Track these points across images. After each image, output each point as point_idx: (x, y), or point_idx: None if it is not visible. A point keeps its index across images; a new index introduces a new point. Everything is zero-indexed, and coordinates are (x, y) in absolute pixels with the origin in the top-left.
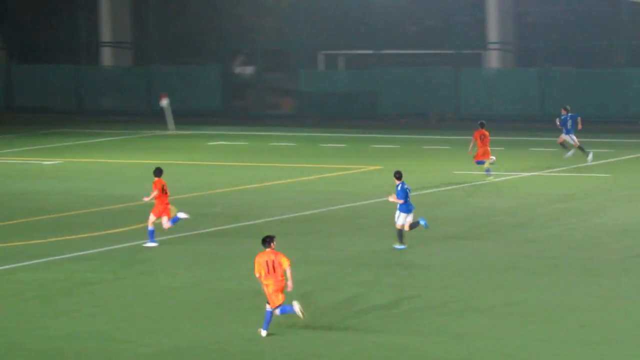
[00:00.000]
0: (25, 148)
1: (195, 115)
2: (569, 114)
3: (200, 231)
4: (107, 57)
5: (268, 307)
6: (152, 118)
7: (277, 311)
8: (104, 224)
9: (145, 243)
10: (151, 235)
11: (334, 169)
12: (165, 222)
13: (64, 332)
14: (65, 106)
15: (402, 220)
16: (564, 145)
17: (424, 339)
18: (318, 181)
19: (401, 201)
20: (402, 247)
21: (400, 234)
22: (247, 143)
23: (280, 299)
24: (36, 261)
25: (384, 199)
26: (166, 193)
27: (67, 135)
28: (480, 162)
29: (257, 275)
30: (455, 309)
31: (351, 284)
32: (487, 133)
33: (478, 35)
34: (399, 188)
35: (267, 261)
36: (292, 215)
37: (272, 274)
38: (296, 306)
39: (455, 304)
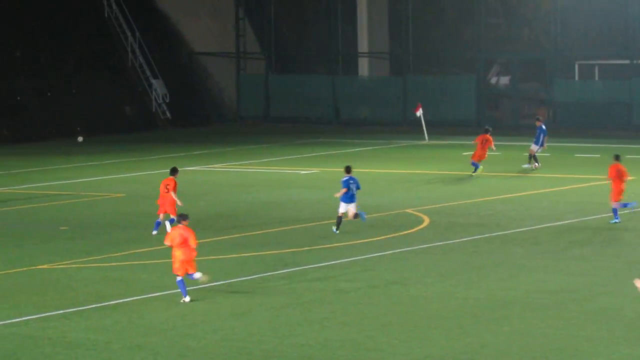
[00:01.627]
0: (282, 157)
1: (449, 125)
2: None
3: (452, 241)
4: (363, 67)
5: (178, 277)
6: (407, 128)
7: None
8: (358, 233)
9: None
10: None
11: (588, 179)
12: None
13: (317, 340)
14: (322, 116)
15: (343, 208)
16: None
17: None
18: (572, 191)
19: (344, 189)
20: (336, 231)
21: (338, 220)
22: (500, 153)
23: (187, 269)
24: (290, 270)
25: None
26: (168, 191)
27: (323, 145)
28: (475, 164)
29: (169, 244)
30: None
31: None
32: (490, 138)
33: None
34: (343, 179)
35: (180, 234)
36: (544, 225)
37: (182, 246)
38: (198, 275)
39: None
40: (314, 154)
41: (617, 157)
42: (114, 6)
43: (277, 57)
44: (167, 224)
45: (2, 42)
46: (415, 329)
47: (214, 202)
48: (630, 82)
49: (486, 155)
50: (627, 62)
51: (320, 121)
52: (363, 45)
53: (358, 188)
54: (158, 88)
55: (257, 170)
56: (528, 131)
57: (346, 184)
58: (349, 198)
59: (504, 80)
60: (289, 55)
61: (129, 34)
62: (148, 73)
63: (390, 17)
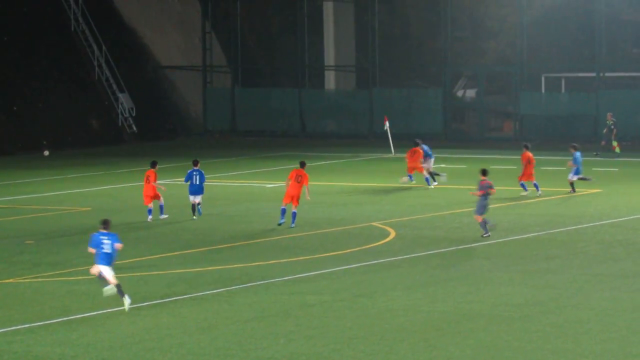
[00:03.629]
0: (249, 171)
1: (416, 138)
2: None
3: (418, 254)
4: (330, 80)
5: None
6: (374, 141)
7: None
8: (324, 246)
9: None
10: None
11: (554, 192)
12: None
13: (282, 354)
14: (288, 129)
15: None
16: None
17: None
18: (537, 204)
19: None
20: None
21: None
22: (465, 166)
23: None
24: (256, 283)
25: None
26: (149, 182)
27: (289, 158)
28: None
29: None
30: None
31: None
32: (419, 150)
33: None
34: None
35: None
36: (511, 238)
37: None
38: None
39: None
40: (280, 167)
41: (526, 146)
42: (81, 20)
43: (244, 71)
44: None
45: None
46: (381, 342)
47: (179, 215)
48: (597, 94)
49: (421, 168)
50: (593, 74)
51: (286, 134)
52: (329, 58)
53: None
54: (124, 102)
55: (223, 183)
56: (494, 144)
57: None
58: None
59: (471, 93)
60: (255, 69)
61: (95, 47)
62: (114, 87)
63: (356, 31)
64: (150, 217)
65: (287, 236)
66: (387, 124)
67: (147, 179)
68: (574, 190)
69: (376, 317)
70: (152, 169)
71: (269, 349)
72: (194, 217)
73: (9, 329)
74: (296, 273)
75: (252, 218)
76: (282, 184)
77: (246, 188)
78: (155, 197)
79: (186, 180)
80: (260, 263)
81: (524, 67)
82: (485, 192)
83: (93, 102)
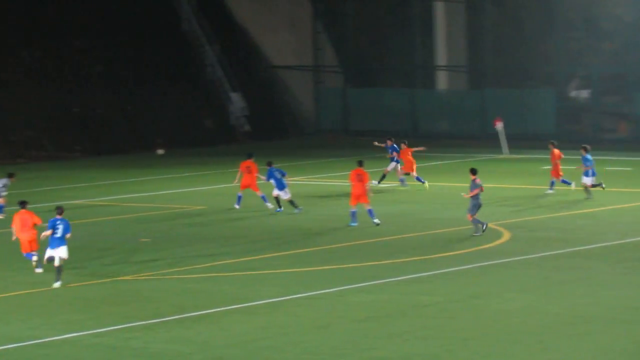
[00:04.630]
0: None
1: (529, 139)
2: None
3: (532, 255)
4: (442, 80)
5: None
6: (486, 142)
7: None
8: (437, 247)
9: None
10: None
11: None
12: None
13: (397, 354)
14: (400, 129)
15: (275, 191)
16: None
17: None
18: None
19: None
20: (269, 205)
21: (276, 200)
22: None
23: (32, 247)
24: (370, 283)
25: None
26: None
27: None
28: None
29: (14, 227)
30: None
31: None
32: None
33: None
34: (273, 175)
35: (21, 219)
36: (628, 240)
37: (26, 228)
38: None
39: None
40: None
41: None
42: (194, 20)
43: (355, 71)
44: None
45: (83, 56)
46: (496, 344)
47: (292, 215)
48: None
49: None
50: None
51: (398, 134)
52: (441, 58)
53: (283, 175)
54: (237, 101)
55: (335, 183)
56: (609, 145)
57: (271, 175)
58: (279, 185)
59: (584, 93)
60: (367, 69)
61: (207, 47)
62: (227, 86)
63: (468, 30)
64: (237, 205)
65: (401, 236)
66: (500, 124)
67: (248, 168)
68: (590, 195)
69: (490, 318)
70: (251, 159)
71: (383, 349)
72: (279, 209)
73: (126, 325)
74: (410, 273)
75: (364, 218)
76: (396, 184)
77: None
78: (250, 186)
79: (268, 179)
80: (374, 263)
81: (639, 67)
82: (479, 191)
83: (206, 101)
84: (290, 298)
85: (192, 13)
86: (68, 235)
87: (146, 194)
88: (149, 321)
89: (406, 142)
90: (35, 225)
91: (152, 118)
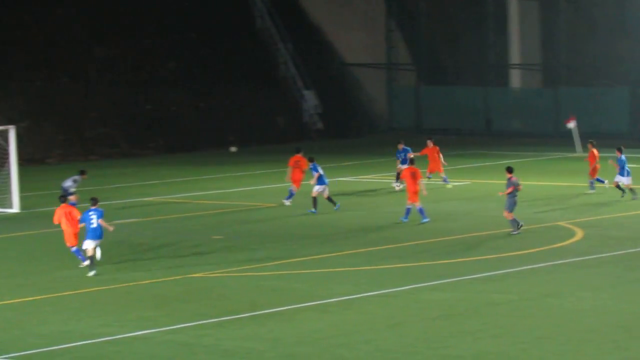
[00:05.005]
0: None
1: (602, 138)
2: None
3: (605, 254)
4: (515, 79)
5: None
6: (560, 140)
7: (73, 249)
8: (510, 245)
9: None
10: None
11: None
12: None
13: (469, 352)
14: (473, 128)
15: (316, 189)
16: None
17: None
18: None
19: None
20: (313, 210)
21: (314, 201)
22: None
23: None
24: (443, 281)
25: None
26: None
27: (473, 156)
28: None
29: (57, 222)
30: None
31: None
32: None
33: None
34: (318, 170)
35: (65, 212)
36: None
37: (69, 222)
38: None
39: None
40: (464, 166)
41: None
42: (267, 18)
43: (428, 69)
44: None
45: (156, 54)
46: (569, 343)
47: (365, 213)
48: None
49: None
50: None
51: (471, 133)
52: (514, 56)
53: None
54: (310, 99)
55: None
56: None
57: (315, 169)
58: (320, 181)
59: None
60: (440, 67)
61: (281, 45)
62: (300, 84)
63: (541, 28)
64: (287, 200)
65: (473, 234)
66: (572, 123)
67: (297, 163)
68: (623, 192)
69: (563, 317)
70: (300, 154)
71: (455, 347)
72: (313, 210)
73: (198, 322)
74: (483, 271)
75: (437, 216)
76: (467, 182)
77: (430, 186)
78: (296, 182)
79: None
80: (447, 261)
81: None
82: (514, 189)
83: (279, 99)
84: (363, 296)
85: (266, 11)
86: (101, 221)
87: (218, 191)
88: (221, 318)
89: (432, 139)
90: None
91: (225, 115)
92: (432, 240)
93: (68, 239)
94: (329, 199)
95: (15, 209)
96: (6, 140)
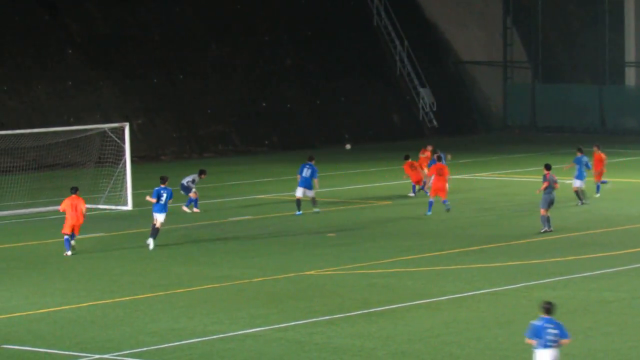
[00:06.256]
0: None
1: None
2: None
3: None
4: (631, 76)
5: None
6: None
7: (65, 237)
8: (622, 243)
9: None
10: None
11: None
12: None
13: (580, 350)
14: (588, 126)
15: (299, 193)
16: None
17: None
18: None
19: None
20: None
21: (297, 202)
22: None
23: (75, 231)
24: (555, 279)
25: None
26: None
27: (588, 154)
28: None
29: (62, 210)
30: None
31: None
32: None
33: None
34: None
35: (71, 204)
36: None
37: (74, 212)
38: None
39: None
40: None
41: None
42: (384, 15)
43: (544, 66)
44: None
45: (273, 50)
46: None
47: (476, 211)
48: None
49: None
50: None
51: (586, 131)
52: (630, 54)
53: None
54: (425, 97)
55: (519, 179)
56: None
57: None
58: (303, 183)
59: None
60: (555, 64)
61: (397, 42)
62: (416, 82)
63: None
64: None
65: (585, 233)
66: None
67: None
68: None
69: None
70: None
71: (566, 346)
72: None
73: (310, 320)
74: (594, 269)
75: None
76: (574, 181)
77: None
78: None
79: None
80: (559, 259)
81: None
82: (550, 185)
83: (395, 96)
84: (474, 294)
85: (383, 8)
86: (170, 201)
87: (333, 188)
88: (333, 316)
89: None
90: (83, 213)
91: (340, 113)
92: (542, 238)
93: (66, 227)
94: (313, 200)
95: (129, 206)
96: (121, 137)
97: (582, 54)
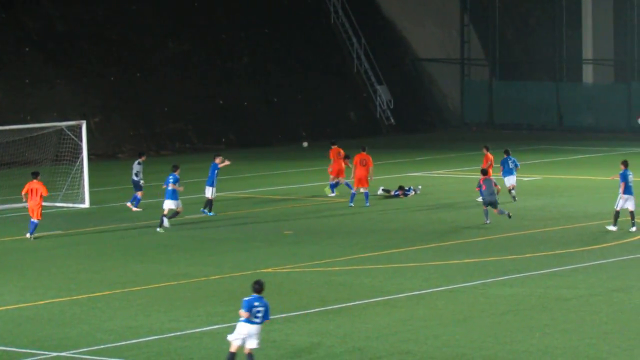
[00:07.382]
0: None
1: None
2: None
3: None
4: (588, 74)
5: (33, 220)
6: (632, 135)
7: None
8: (580, 240)
9: None
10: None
11: None
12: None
13: (537, 348)
14: (545, 123)
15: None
16: None
17: None
18: None
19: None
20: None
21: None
22: None
23: (37, 215)
24: (512, 276)
25: None
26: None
27: (545, 152)
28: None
29: (24, 193)
30: None
31: None
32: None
33: None
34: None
35: (31, 188)
36: None
37: (34, 197)
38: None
39: None
40: (536, 161)
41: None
42: (341, 13)
43: (501, 64)
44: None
45: (229, 48)
46: (637, 338)
47: (434, 207)
48: None
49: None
50: None
51: (543, 128)
52: (587, 51)
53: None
54: (383, 94)
55: (476, 176)
56: None
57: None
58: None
59: None
60: (512, 62)
61: (354, 40)
62: (373, 79)
63: (615, 23)
64: (332, 193)
65: (542, 230)
66: None
67: (339, 154)
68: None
69: (632, 312)
70: (336, 147)
71: (524, 342)
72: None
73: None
74: (551, 267)
75: (507, 210)
76: (539, 177)
77: (502, 182)
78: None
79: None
80: (516, 256)
81: None
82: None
83: (352, 94)
84: (431, 291)
85: (340, 6)
86: (177, 187)
87: (290, 186)
88: (290, 313)
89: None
90: (42, 196)
91: (297, 110)
92: (500, 235)
93: (30, 211)
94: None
95: (86, 204)
96: (78, 135)
97: (540, 51)
